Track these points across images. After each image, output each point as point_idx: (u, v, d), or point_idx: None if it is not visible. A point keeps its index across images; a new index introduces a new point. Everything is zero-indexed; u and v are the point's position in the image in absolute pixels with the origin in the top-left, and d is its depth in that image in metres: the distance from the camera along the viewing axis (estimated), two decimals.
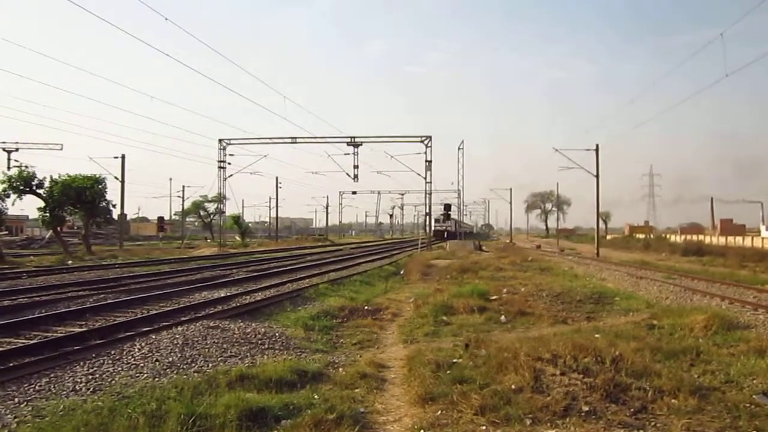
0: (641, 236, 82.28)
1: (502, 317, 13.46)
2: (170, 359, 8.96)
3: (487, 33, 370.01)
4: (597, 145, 46.83)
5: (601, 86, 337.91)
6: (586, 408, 6.63)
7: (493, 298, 16.36)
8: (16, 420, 6.28)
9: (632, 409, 6.66)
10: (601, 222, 59.22)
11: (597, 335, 10.28)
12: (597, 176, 46.75)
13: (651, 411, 6.67)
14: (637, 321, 13.19)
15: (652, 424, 6.32)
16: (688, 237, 70.16)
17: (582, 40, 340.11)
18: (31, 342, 10.22)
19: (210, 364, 8.83)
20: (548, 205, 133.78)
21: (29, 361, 8.86)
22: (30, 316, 12.60)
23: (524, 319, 13.55)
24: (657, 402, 6.87)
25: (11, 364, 8.59)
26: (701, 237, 68.35)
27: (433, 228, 78.96)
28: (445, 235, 76.47)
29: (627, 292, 19.52)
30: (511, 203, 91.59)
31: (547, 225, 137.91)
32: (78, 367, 8.54)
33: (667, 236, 78.32)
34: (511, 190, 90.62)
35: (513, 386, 7.23)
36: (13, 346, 9.77)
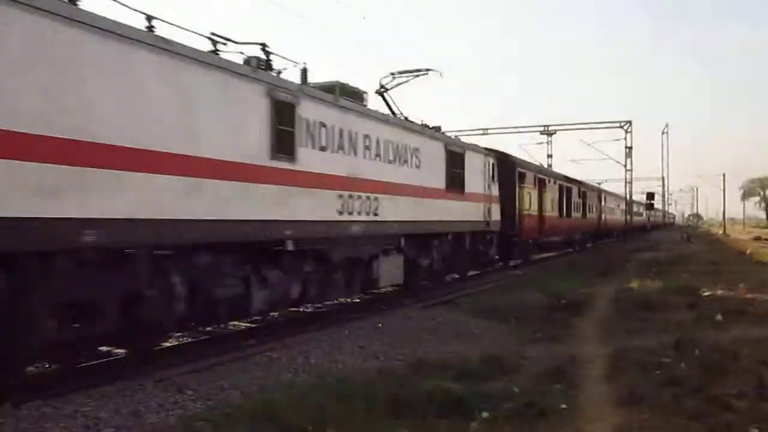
0: None
1: (718, 316, 12.30)
2: (374, 346, 9.51)
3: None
4: None
5: None
6: None
7: (705, 294, 15.03)
8: (243, 395, 7.06)
9: None
10: None
11: None
12: None
13: None
14: None
15: None
16: None
17: None
18: (253, 326, 11.41)
19: (410, 352, 9.21)
20: None
21: (252, 342, 9.92)
22: None
23: (743, 319, 12.25)
24: None
25: (239, 345, 9.70)
26: None
27: None
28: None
29: None
30: (724, 190, 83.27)
31: (767, 214, 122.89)
32: (294, 350, 9.35)
33: None
34: (724, 176, 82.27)
35: (733, 391, 6.62)
36: (239, 329, 11.02)
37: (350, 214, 11.73)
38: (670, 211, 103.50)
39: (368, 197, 12.35)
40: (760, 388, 6.69)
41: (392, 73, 16.12)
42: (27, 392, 6.79)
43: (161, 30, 8.21)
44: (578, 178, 37.69)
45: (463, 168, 17.26)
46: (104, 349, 9.26)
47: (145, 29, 7.97)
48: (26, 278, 6.64)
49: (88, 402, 6.56)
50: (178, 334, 10.36)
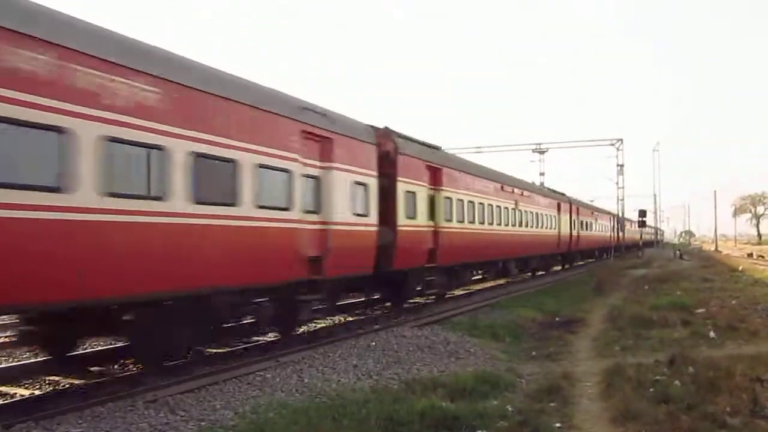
0: None
1: (711, 332, 12.30)
2: (368, 365, 9.44)
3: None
4: None
5: None
6: None
7: (699, 311, 15.03)
8: (236, 415, 6.98)
9: None
10: None
11: None
12: None
13: None
14: None
15: None
16: None
17: None
18: (244, 346, 11.31)
19: (404, 371, 9.16)
20: (761, 209, 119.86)
21: (246, 361, 9.82)
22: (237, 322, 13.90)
23: (736, 335, 12.26)
24: None
25: (233, 365, 9.58)
26: None
27: None
28: None
29: None
30: (715, 207, 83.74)
31: (759, 230, 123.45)
32: (288, 370, 9.27)
33: None
34: (715, 193, 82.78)
35: (728, 408, 6.60)
36: (231, 349, 10.92)
37: None
38: (662, 227, 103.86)
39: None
40: (754, 405, 6.68)
41: None
42: (18, 413, 6.71)
43: None
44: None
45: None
46: (95, 368, 9.20)
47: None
48: None
49: (80, 423, 6.49)
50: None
